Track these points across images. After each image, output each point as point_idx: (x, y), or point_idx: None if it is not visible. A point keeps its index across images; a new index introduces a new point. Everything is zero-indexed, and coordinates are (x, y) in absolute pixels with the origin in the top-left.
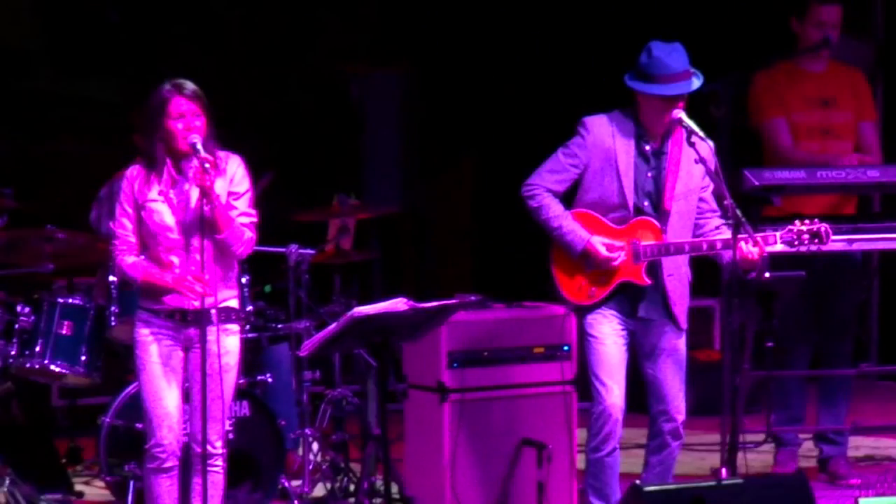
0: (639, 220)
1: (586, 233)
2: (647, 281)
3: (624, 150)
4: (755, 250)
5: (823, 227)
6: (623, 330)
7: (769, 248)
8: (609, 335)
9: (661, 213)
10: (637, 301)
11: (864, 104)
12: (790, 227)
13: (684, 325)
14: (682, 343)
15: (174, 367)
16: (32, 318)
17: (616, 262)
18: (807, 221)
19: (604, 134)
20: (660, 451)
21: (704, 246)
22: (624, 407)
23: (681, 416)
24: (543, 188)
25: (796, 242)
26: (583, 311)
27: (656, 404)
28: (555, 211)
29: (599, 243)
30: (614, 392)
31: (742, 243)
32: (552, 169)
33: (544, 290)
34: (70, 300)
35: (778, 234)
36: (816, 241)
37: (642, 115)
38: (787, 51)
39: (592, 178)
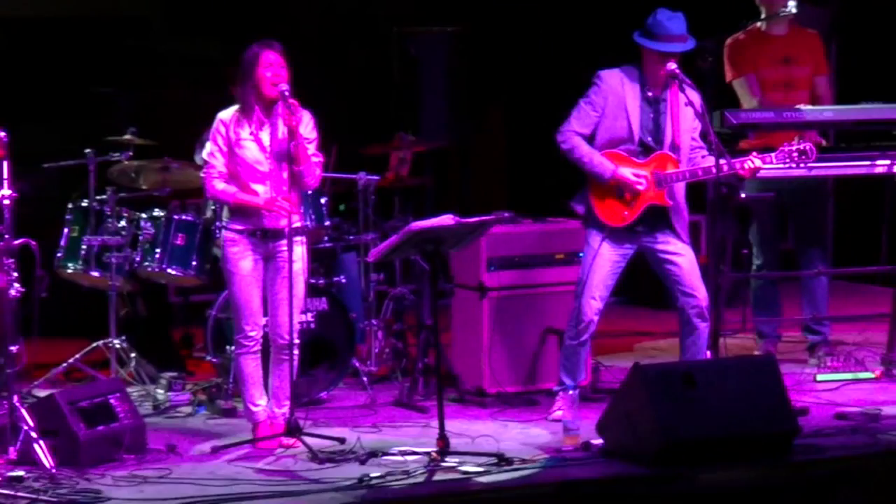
0: (659, 154)
1: (612, 164)
2: (670, 202)
3: (631, 95)
4: (751, 168)
5: (808, 145)
6: (623, 248)
7: (768, 166)
8: (605, 252)
9: (674, 147)
10: (647, 221)
11: (820, 61)
12: (782, 148)
13: (686, 239)
14: (690, 249)
15: (257, 275)
16: (153, 231)
17: (641, 187)
18: (794, 142)
19: (615, 82)
20: (691, 333)
21: (714, 171)
22: (600, 309)
23: (704, 302)
24: (572, 132)
25: (788, 160)
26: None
27: (682, 296)
28: (584, 149)
29: (625, 171)
30: (594, 297)
31: (748, 162)
32: (577, 116)
33: (564, 208)
34: (183, 216)
35: (773, 154)
36: (804, 157)
37: (645, 68)
38: (755, 17)
39: (606, 119)
